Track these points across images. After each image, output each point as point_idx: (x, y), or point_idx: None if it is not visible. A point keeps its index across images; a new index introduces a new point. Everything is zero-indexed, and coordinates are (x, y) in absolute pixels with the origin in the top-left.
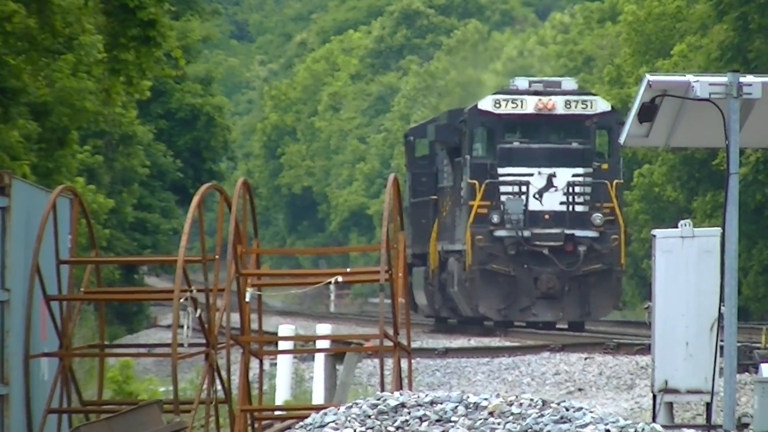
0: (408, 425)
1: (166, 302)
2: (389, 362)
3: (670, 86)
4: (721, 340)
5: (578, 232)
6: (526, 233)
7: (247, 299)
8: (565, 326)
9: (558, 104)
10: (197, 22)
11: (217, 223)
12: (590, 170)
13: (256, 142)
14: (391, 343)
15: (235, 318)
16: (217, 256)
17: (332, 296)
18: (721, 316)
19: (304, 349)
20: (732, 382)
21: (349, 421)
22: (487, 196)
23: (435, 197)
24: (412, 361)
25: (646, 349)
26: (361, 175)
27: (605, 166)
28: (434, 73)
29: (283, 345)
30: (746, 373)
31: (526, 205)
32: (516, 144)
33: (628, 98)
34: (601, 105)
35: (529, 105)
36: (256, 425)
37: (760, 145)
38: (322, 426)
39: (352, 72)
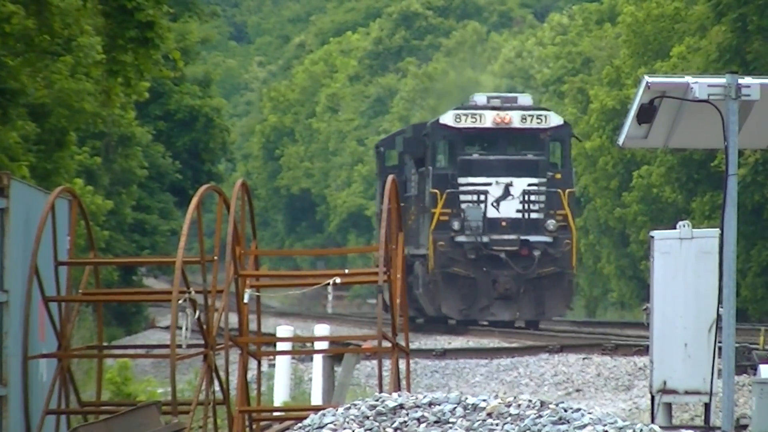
0: (406, 426)
1: (165, 303)
2: (388, 363)
3: (669, 87)
4: (720, 342)
5: (533, 238)
6: (485, 239)
7: (245, 300)
8: (522, 325)
9: (514, 119)
10: (196, 23)
11: (216, 224)
12: (544, 180)
13: (255, 144)
14: (389, 344)
15: (234, 319)
16: (215, 257)
17: (330, 297)
18: (719, 317)
19: (302, 350)
20: (730, 383)
21: (348, 423)
22: (448, 204)
23: (402, 205)
24: (411, 362)
25: (645, 350)
26: (359, 177)
27: (559, 176)
28: (432, 74)
29: (281, 346)
30: (744, 375)
31: (484, 213)
32: (475, 156)
33: (627, 99)
34: (554, 119)
35: (488, 119)
36: (254, 426)
37: (759, 147)
38: (321, 427)
39: (351, 73)
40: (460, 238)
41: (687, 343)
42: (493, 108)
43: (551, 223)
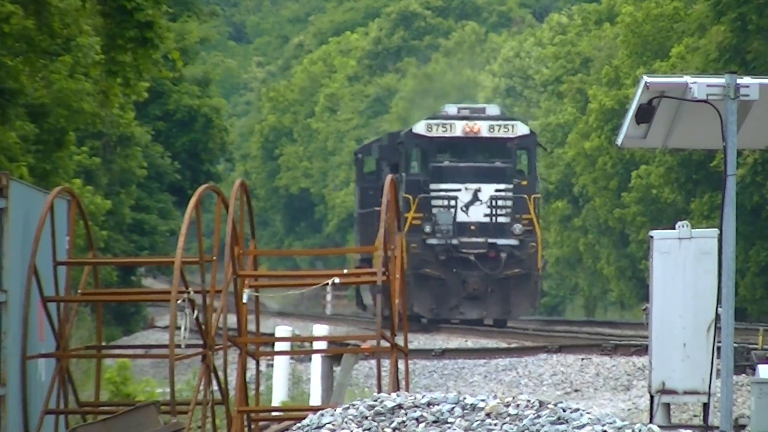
0: (405, 426)
1: (163, 303)
2: (386, 363)
3: (668, 87)
4: (718, 342)
5: (500, 241)
6: (455, 241)
7: (244, 300)
8: (491, 323)
9: (483, 128)
10: (195, 23)
11: (215, 224)
12: (511, 186)
13: (254, 144)
14: (388, 345)
15: (232, 319)
16: (214, 257)
17: (329, 297)
18: (718, 317)
19: (301, 350)
20: (729, 383)
21: (346, 423)
22: (420, 208)
23: (378, 209)
24: (409, 362)
25: (643, 350)
26: None
27: (525, 182)
28: (431, 75)
29: (280, 346)
30: (743, 375)
31: (454, 217)
32: (446, 163)
33: (626, 99)
34: (521, 129)
35: (458, 129)
36: (253, 426)
37: (758, 147)
38: (319, 427)
39: (350, 73)
40: (432, 241)
41: (686, 343)
42: (463, 118)
43: (517, 227)
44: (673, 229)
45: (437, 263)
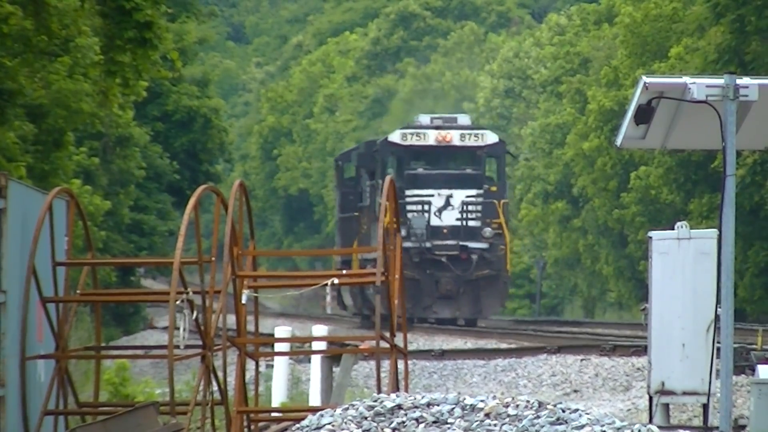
0: (404, 427)
1: (163, 304)
2: (386, 364)
3: (667, 88)
4: (718, 342)
5: (471, 244)
6: (428, 244)
7: (243, 301)
8: (462, 322)
9: (455, 137)
10: (193, 23)
11: (214, 224)
12: (481, 192)
13: (253, 144)
14: (387, 345)
15: (232, 320)
16: (213, 258)
17: (329, 298)
18: (717, 317)
19: (300, 350)
20: (728, 384)
21: (346, 423)
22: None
23: (357, 214)
24: (409, 363)
25: (643, 351)
26: None
27: (494, 188)
28: (430, 75)
29: (279, 347)
30: (742, 375)
31: (428, 221)
32: (420, 170)
33: (625, 100)
34: (490, 137)
35: (431, 138)
36: (252, 427)
37: (757, 147)
38: (319, 428)
39: (348, 74)
40: (406, 244)
41: (685, 344)
42: (436, 127)
43: (487, 231)
44: (672, 229)
45: (412, 265)
